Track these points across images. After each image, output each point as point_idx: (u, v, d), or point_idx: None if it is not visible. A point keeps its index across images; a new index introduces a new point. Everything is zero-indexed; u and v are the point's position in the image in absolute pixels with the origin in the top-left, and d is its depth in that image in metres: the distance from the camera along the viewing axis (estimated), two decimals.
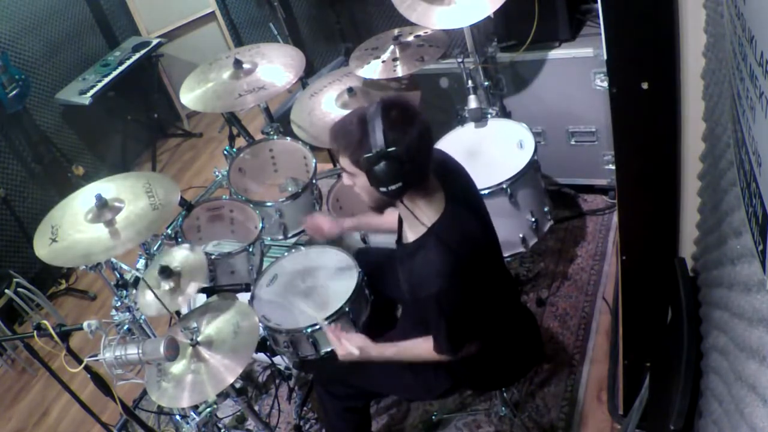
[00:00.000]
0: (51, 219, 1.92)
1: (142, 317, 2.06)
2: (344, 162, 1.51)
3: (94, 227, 1.86)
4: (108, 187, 1.99)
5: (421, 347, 1.68)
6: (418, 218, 1.51)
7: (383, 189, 1.44)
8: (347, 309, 2.00)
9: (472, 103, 2.58)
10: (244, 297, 2.16)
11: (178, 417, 2.20)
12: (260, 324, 1.99)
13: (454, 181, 1.63)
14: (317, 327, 2.00)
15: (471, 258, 1.54)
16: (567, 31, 2.71)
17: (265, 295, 2.19)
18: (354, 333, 1.84)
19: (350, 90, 2.55)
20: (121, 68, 4.21)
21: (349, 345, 1.75)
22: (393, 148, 1.39)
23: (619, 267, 1.78)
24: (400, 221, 1.69)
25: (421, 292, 1.53)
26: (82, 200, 1.95)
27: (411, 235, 1.59)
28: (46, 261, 1.79)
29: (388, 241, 2.25)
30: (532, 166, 2.35)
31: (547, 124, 2.91)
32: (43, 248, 1.82)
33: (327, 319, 1.98)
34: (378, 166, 1.41)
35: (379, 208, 1.60)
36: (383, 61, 2.55)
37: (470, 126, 2.62)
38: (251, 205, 2.44)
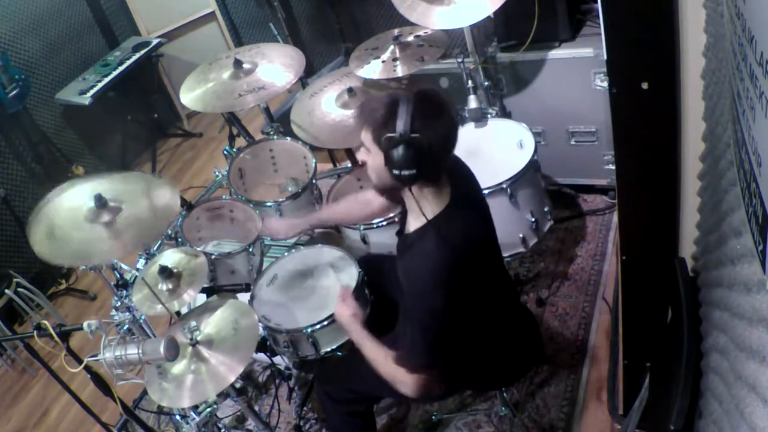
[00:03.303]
0: (47, 210, 1.84)
1: (142, 317, 2.06)
2: (365, 137, 1.51)
3: (92, 227, 1.82)
4: (107, 187, 1.96)
5: (384, 356, 1.65)
6: (422, 209, 1.51)
7: (396, 172, 1.44)
8: None
9: (472, 103, 2.58)
10: (244, 297, 2.16)
11: (178, 417, 2.20)
12: (260, 324, 1.99)
13: (462, 182, 1.63)
14: (317, 327, 2.00)
15: (469, 256, 1.53)
16: (567, 31, 2.71)
17: (265, 295, 2.19)
18: (356, 307, 1.84)
19: (350, 90, 2.55)
20: (121, 68, 4.21)
21: (343, 310, 1.81)
22: (416, 136, 1.40)
23: (619, 267, 1.78)
24: (404, 213, 1.70)
25: (413, 282, 1.53)
26: (81, 195, 1.88)
27: (413, 226, 1.59)
28: (38, 254, 1.72)
29: (388, 241, 2.25)
30: (532, 166, 2.35)
31: (547, 124, 2.91)
32: (39, 241, 1.75)
33: (327, 319, 1.99)
34: (397, 148, 1.41)
35: (385, 191, 1.61)
36: (383, 61, 2.55)
37: (470, 126, 2.62)
38: (251, 205, 2.44)
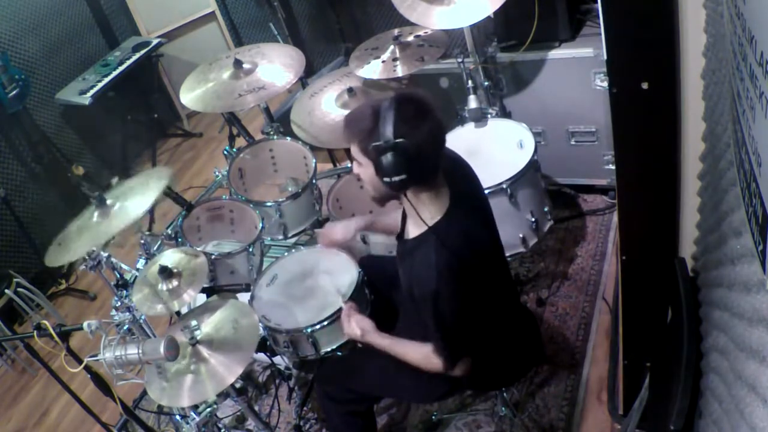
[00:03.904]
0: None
1: (142, 317, 2.06)
2: (354, 150, 1.53)
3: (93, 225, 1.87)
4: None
5: (415, 349, 1.68)
6: (420, 215, 1.51)
7: (387, 179, 1.45)
8: None
9: (472, 103, 2.58)
10: (244, 297, 2.16)
11: (178, 417, 2.20)
12: (260, 324, 1.98)
13: (461, 182, 1.63)
14: (317, 327, 2.00)
15: (471, 259, 1.53)
16: (567, 31, 2.71)
17: (265, 295, 2.18)
18: (363, 317, 1.86)
19: (350, 90, 2.55)
20: (121, 68, 4.21)
21: (355, 326, 1.80)
22: (402, 140, 1.40)
23: (619, 267, 1.78)
24: (404, 216, 1.70)
25: (418, 291, 1.53)
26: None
27: (413, 232, 1.59)
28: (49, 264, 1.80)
29: (388, 241, 2.25)
30: (532, 166, 2.35)
31: (547, 124, 2.90)
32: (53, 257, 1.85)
33: (327, 319, 1.99)
34: (385, 156, 1.42)
35: (382, 201, 1.61)
36: (383, 61, 2.55)
37: (470, 126, 2.62)
38: (251, 205, 2.44)
